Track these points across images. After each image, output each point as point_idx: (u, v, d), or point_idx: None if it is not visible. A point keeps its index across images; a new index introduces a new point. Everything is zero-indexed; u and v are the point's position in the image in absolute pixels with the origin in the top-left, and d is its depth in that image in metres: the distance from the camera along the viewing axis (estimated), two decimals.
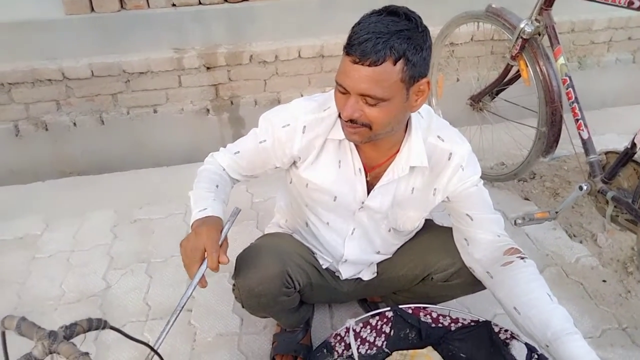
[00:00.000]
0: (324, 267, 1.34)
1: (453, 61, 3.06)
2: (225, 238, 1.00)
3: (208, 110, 2.80)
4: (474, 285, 1.20)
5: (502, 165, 2.38)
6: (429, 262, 1.28)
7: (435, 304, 1.40)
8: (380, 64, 0.90)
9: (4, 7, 2.57)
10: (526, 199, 2.15)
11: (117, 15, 2.53)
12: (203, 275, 0.97)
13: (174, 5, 2.61)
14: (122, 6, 2.55)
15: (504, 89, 2.13)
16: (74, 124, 2.61)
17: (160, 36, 2.59)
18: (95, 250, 1.91)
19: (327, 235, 1.29)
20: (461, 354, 1.28)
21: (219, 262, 0.95)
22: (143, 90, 2.66)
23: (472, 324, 1.26)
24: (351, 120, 0.98)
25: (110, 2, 2.49)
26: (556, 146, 1.87)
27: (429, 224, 1.37)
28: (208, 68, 2.69)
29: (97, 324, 0.74)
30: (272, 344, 1.50)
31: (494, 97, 2.18)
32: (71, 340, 0.71)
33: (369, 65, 0.90)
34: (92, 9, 2.50)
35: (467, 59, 3.05)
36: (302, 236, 1.36)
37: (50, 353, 0.67)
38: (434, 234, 1.33)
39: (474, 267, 1.17)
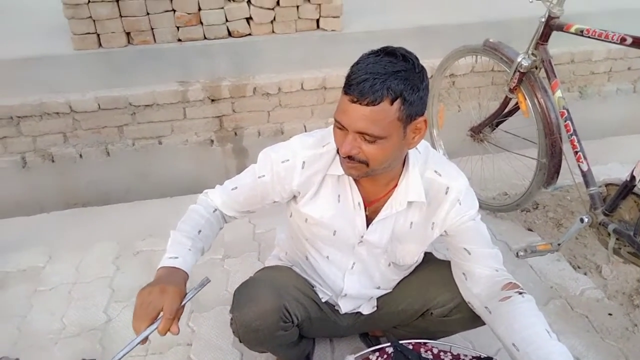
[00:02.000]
0: (323, 300, 1.34)
1: (454, 92, 3.10)
2: (183, 305, 0.97)
3: (212, 141, 2.84)
4: (474, 320, 1.19)
5: (504, 195, 2.37)
6: (428, 297, 1.27)
7: (436, 338, 1.38)
8: (378, 103, 0.92)
9: (14, 42, 2.66)
10: (529, 229, 2.14)
11: (124, 51, 2.60)
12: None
13: (179, 40, 2.68)
14: (129, 41, 2.63)
15: (504, 120, 2.15)
16: (80, 155, 2.66)
17: (166, 70, 2.66)
18: (97, 282, 1.91)
19: (326, 269, 1.29)
20: None
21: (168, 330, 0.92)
22: (148, 122, 2.71)
23: None
24: (349, 157, 1.00)
25: (118, 38, 2.57)
26: (557, 177, 1.87)
27: (428, 257, 1.37)
28: (212, 100, 2.75)
29: None
30: None
31: (494, 129, 2.20)
32: None
33: (366, 105, 0.93)
34: (100, 45, 2.58)
35: (467, 90, 3.09)
36: (302, 269, 1.36)
37: None
38: (433, 269, 1.32)
39: (472, 302, 1.16)
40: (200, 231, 1.16)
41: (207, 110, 2.77)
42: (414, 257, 1.26)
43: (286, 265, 1.40)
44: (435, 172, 1.15)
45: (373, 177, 1.10)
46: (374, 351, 1.25)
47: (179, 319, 0.95)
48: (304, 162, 1.14)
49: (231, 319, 1.18)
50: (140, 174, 2.76)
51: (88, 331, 1.69)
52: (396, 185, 1.14)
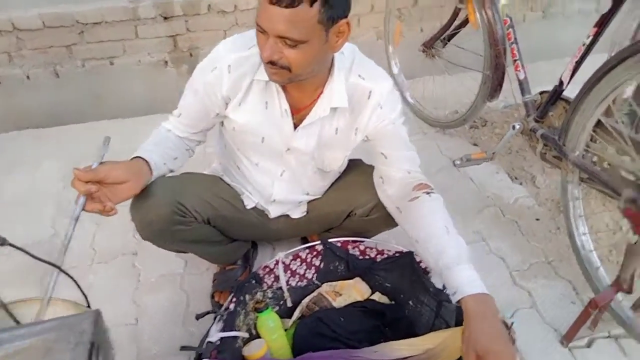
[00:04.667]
0: (248, 207, 1.37)
1: (417, 12, 3.03)
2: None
3: (166, 62, 2.76)
4: (392, 219, 1.24)
5: (455, 113, 2.40)
6: (351, 198, 1.33)
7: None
8: (297, 5, 0.90)
9: None
10: (475, 144, 2.18)
11: None
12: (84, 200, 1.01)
13: None
14: None
15: (455, 34, 2.12)
16: (28, 77, 2.57)
17: None
18: (45, 199, 1.93)
19: (257, 177, 1.32)
20: (386, 284, 1.34)
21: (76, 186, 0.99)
22: (98, 41, 2.60)
23: (397, 254, 1.31)
24: (271, 62, 0.99)
25: None
26: (500, 89, 1.88)
27: (355, 163, 1.40)
28: (165, 18, 2.64)
29: None
30: (213, 281, 1.55)
31: (446, 44, 2.18)
32: None
33: (285, 7, 0.91)
34: None
35: (430, 9, 3.01)
36: (234, 177, 1.38)
37: None
38: (357, 173, 1.37)
39: (386, 203, 1.22)
40: (155, 144, 1.20)
41: (159, 29, 2.67)
42: (339, 162, 1.30)
43: (217, 174, 1.42)
44: (359, 76, 1.15)
45: (300, 84, 1.10)
46: (304, 249, 1.32)
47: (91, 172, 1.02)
48: (229, 66, 1.13)
49: (131, 219, 1.21)
50: (92, 95, 2.69)
51: (34, 243, 1.70)
52: (322, 92, 1.14)
